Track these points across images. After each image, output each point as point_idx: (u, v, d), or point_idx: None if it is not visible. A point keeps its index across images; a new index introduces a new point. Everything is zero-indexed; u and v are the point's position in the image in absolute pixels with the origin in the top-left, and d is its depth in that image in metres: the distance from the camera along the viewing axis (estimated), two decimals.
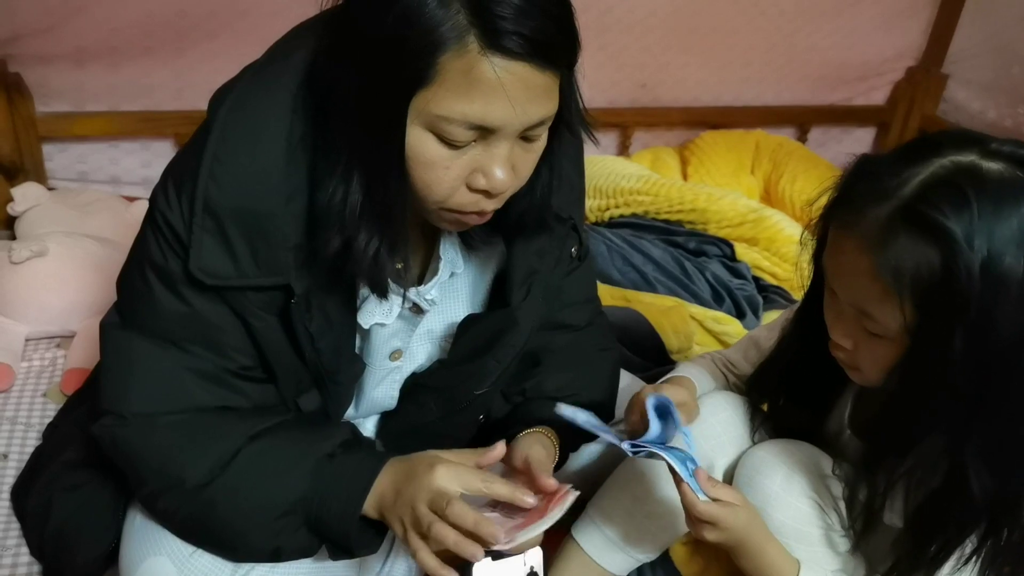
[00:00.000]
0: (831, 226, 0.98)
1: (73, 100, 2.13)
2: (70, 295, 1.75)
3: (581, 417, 1.08)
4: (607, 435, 1.07)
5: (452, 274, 1.16)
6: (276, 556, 1.06)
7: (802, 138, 2.82)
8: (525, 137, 0.93)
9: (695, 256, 2.19)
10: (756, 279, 2.15)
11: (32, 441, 1.49)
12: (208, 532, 1.06)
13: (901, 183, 0.90)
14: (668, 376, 1.28)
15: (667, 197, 2.29)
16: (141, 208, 2.06)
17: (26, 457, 1.41)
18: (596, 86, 2.51)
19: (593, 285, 1.40)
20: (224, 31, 2.10)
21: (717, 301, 2.04)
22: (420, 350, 1.21)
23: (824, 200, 1.00)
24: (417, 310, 1.14)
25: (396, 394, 1.24)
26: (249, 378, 1.07)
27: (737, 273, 2.14)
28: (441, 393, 1.21)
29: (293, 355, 1.06)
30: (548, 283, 1.20)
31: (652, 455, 1.04)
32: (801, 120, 2.83)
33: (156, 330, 1.04)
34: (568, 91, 0.96)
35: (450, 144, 0.90)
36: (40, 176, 2.14)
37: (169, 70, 2.14)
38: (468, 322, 1.16)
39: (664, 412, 1.06)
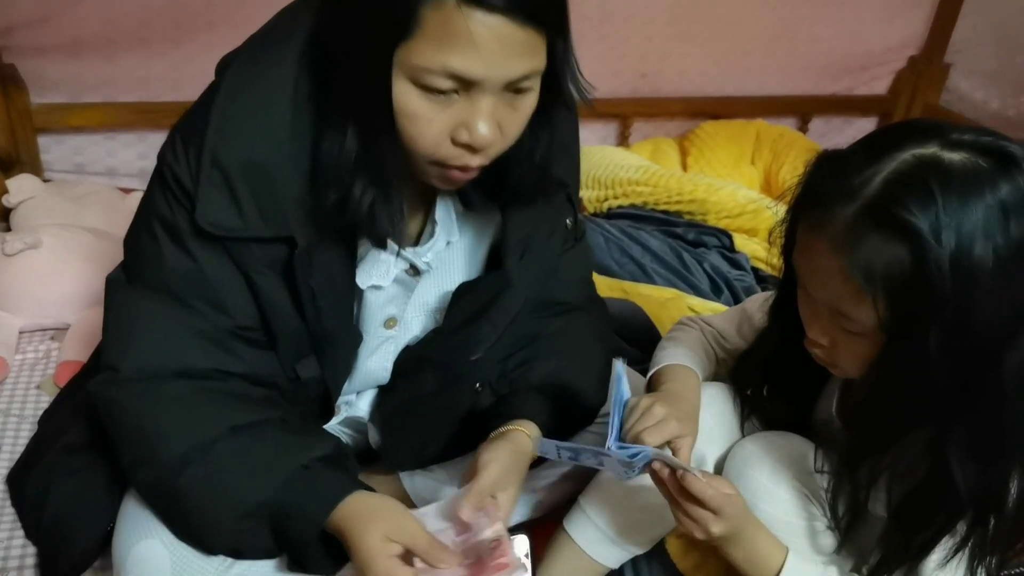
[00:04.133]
0: (799, 226, 0.97)
1: (69, 91, 2.13)
2: (64, 287, 1.75)
3: (563, 455, 1.06)
4: (590, 461, 1.06)
5: (448, 243, 1.17)
6: (238, 554, 1.06)
7: (803, 128, 2.81)
8: (511, 93, 0.94)
9: (694, 247, 2.18)
10: (755, 270, 2.14)
11: (25, 433, 1.49)
12: (177, 516, 1.06)
13: (865, 181, 0.89)
14: (667, 361, 1.25)
15: (666, 188, 2.28)
16: (137, 200, 2.05)
17: (19, 449, 1.42)
18: (596, 76, 2.41)
19: (589, 266, 1.41)
20: (222, 22, 2.10)
21: (715, 292, 2.03)
22: (415, 321, 1.22)
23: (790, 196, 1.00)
24: (414, 272, 1.15)
25: (390, 366, 1.24)
26: (249, 340, 1.08)
27: (736, 264, 2.13)
28: (438, 364, 1.21)
29: (295, 314, 1.07)
30: (544, 256, 1.21)
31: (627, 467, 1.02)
32: (803, 110, 2.82)
33: (160, 285, 1.05)
34: (563, 56, 0.96)
35: (433, 94, 0.91)
36: (36, 168, 2.15)
37: (166, 61, 2.14)
38: (463, 289, 1.17)
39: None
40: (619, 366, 1.09)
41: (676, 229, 2.22)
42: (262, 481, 1.02)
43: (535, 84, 0.95)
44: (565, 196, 1.22)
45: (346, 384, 1.22)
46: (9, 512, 1.35)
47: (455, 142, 0.95)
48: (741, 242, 2.20)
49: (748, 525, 1.05)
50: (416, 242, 1.16)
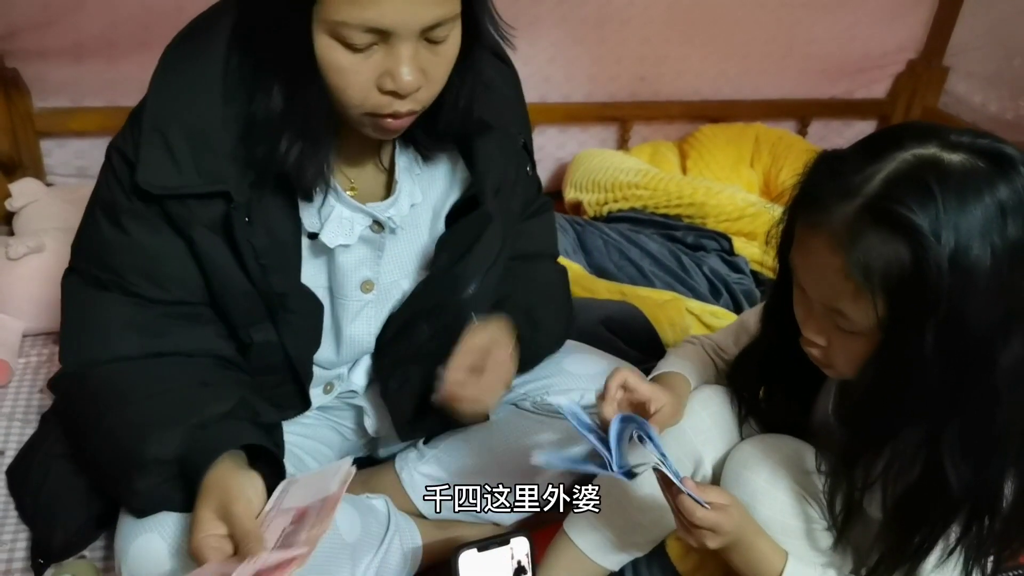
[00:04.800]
0: (798, 225, 0.98)
1: (71, 95, 2.13)
2: None
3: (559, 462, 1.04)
4: (590, 468, 1.04)
5: (412, 205, 1.20)
6: (176, 509, 1.06)
7: (802, 131, 2.82)
8: (429, 40, 0.98)
9: (693, 250, 2.18)
10: (754, 273, 2.14)
11: (28, 437, 1.49)
12: (116, 485, 1.08)
13: (865, 179, 0.90)
14: (661, 370, 1.27)
15: (666, 191, 2.29)
16: None
17: None
18: (595, 79, 2.47)
19: (553, 237, 1.47)
20: None
21: (714, 295, 2.04)
22: (393, 287, 1.24)
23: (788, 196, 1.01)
24: (379, 227, 1.17)
25: (374, 331, 1.26)
26: (185, 317, 1.11)
27: (735, 267, 2.14)
28: (430, 311, 1.23)
29: (241, 275, 1.09)
30: (512, 199, 1.26)
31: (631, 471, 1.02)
32: (802, 113, 2.82)
33: (99, 263, 1.10)
34: (478, 1, 1.01)
35: (353, 49, 0.95)
36: (39, 172, 2.15)
37: None
38: (444, 238, 1.22)
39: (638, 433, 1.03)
40: (567, 406, 1.06)
41: (675, 232, 2.22)
42: (163, 439, 1.03)
43: (453, 28, 1.00)
44: (521, 145, 1.27)
45: (333, 355, 1.24)
46: (12, 515, 1.36)
47: (382, 90, 0.99)
48: (740, 245, 2.20)
49: (747, 532, 1.06)
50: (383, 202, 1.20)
